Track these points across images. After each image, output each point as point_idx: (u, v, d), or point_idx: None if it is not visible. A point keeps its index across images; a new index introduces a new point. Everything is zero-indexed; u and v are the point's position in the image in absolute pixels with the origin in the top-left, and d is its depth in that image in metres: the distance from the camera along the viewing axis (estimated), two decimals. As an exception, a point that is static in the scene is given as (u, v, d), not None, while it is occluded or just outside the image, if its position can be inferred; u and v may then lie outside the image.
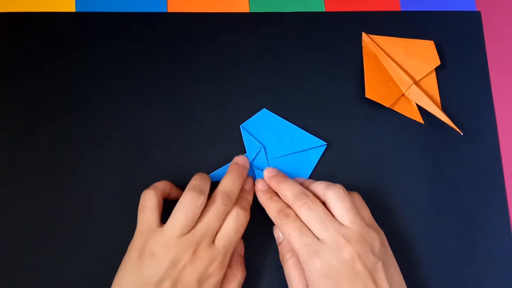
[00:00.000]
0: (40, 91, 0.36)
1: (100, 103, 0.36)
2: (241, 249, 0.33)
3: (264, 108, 0.37)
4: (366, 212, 0.32)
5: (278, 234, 0.34)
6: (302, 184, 0.33)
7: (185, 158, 0.36)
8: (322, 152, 0.36)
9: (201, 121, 0.36)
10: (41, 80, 0.36)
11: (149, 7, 0.39)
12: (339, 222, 0.30)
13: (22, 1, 0.38)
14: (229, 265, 0.32)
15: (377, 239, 0.30)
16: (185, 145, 0.36)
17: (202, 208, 0.30)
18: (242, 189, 0.33)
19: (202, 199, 0.30)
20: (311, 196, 0.31)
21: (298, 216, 0.31)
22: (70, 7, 0.38)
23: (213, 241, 0.30)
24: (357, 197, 0.32)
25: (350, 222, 0.29)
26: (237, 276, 0.31)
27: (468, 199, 0.37)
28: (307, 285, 0.30)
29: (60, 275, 0.33)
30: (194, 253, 0.28)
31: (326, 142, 0.36)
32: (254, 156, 0.35)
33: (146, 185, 0.32)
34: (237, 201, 0.32)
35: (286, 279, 0.32)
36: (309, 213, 0.30)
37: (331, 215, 0.30)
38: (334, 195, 0.30)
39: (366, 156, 0.37)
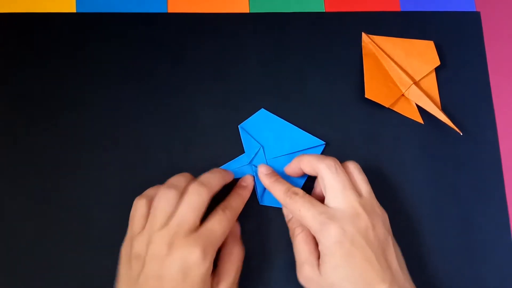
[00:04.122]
0: (40, 91, 0.36)
1: (100, 103, 0.36)
2: (237, 229, 0.33)
3: (262, 108, 0.37)
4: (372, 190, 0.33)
5: (286, 211, 0.34)
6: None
7: (185, 158, 0.36)
8: (321, 152, 0.36)
9: (201, 121, 0.37)
10: (41, 80, 0.36)
11: (149, 7, 0.39)
12: (358, 192, 0.30)
13: (23, 2, 0.38)
14: (224, 244, 0.31)
15: (386, 214, 0.31)
16: (185, 145, 0.36)
17: (175, 199, 0.29)
18: (238, 185, 0.33)
19: (173, 191, 0.29)
20: (338, 161, 0.31)
21: (306, 193, 0.31)
22: (71, 8, 0.38)
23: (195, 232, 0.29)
24: None
25: (367, 193, 0.31)
26: (233, 252, 0.31)
27: (467, 199, 0.37)
28: (318, 258, 0.30)
29: (60, 275, 0.33)
30: (171, 245, 0.28)
31: (325, 142, 0.36)
32: (253, 156, 0.35)
33: (146, 185, 0.32)
34: (229, 197, 0.32)
35: (295, 254, 0.31)
36: (335, 176, 0.30)
37: (353, 184, 0.30)
38: (355, 166, 0.32)
39: (366, 156, 0.37)
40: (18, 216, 0.34)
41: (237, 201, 0.32)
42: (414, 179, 0.37)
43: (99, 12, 0.38)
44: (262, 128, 0.36)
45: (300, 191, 0.31)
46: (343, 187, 0.30)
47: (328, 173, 0.30)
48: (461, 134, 0.37)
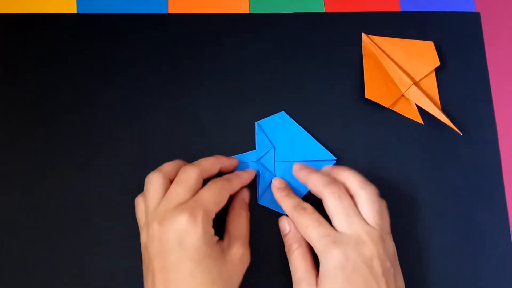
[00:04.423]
0: (41, 92, 0.36)
1: (100, 103, 0.36)
2: (246, 195, 0.33)
3: (283, 111, 0.37)
4: (387, 221, 0.32)
5: (284, 225, 0.33)
6: (331, 171, 0.33)
7: (185, 158, 0.35)
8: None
9: (201, 122, 0.37)
10: (42, 81, 0.36)
11: (150, 8, 0.39)
12: (365, 220, 0.29)
13: (23, 2, 0.38)
14: (232, 209, 0.32)
15: (393, 246, 0.30)
16: (185, 145, 0.36)
17: (162, 181, 0.30)
18: (244, 171, 0.34)
19: (159, 173, 0.30)
20: (342, 188, 0.30)
21: (315, 210, 0.31)
22: (71, 8, 0.38)
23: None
24: (384, 205, 0.32)
25: (375, 224, 0.29)
26: (242, 214, 0.31)
27: (467, 199, 0.37)
28: (316, 275, 0.30)
29: (59, 275, 0.33)
30: (162, 220, 0.28)
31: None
32: (263, 154, 0.35)
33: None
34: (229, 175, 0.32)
35: (291, 270, 0.31)
36: (339, 203, 0.30)
37: (358, 211, 0.30)
38: (367, 196, 0.30)
39: (366, 156, 0.37)
40: (18, 216, 0.34)
41: (231, 176, 0.32)
42: (414, 179, 0.37)
43: (99, 13, 0.38)
44: (278, 130, 0.36)
45: (309, 207, 0.31)
46: (346, 214, 0.29)
47: (332, 200, 0.30)
48: (461, 134, 0.37)
